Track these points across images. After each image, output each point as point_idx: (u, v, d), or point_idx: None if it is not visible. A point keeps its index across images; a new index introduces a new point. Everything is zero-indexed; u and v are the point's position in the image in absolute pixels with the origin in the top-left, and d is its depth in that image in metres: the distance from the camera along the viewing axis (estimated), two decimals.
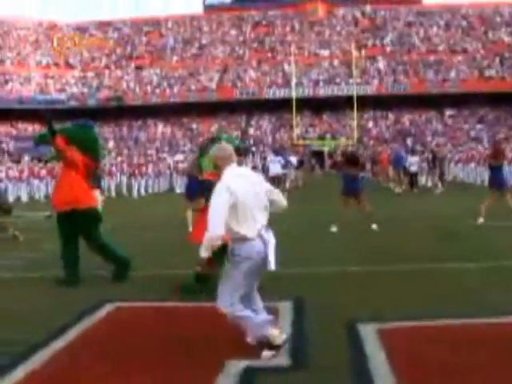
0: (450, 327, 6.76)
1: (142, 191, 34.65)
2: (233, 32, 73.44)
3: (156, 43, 74.13)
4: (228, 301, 5.67)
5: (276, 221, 6.07)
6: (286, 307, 7.73)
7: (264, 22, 73.83)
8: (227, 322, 7.05)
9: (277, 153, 33.22)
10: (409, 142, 56.19)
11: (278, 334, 5.76)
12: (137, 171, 35.80)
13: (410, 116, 63.80)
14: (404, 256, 11.28)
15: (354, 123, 58.30)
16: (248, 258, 5.60)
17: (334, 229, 14.98)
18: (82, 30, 77.29)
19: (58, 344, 6.53)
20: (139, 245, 13.66)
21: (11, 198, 32.38)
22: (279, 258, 10.52)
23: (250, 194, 5.65)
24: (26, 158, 44.98)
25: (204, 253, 5.56)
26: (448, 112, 63.32)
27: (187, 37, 74.07)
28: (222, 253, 5.80)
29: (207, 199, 13.78)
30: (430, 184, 30.14)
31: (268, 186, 5.96)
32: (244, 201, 5.57)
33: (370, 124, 63.46)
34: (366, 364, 5.56)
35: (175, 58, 71.52)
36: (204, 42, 72.71)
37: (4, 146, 60.55)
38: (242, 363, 5.66)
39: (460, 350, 5.87)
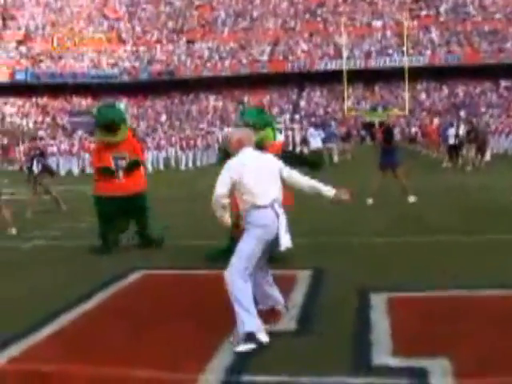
0: (460, 298, 6.79)
1: (190, 164, 35.01)
2: (284, 4, 73.04)
3: (207, 16, 74.20)
4: (237, 268, 5.65)
5: (310, 196, 6.15)
6: (304, 275, 7.90)
7: None
8: None
9: (317, 126, 32.80)
10: (462, 113, 55.32)
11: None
12: (185, 144, 36.17)
13: (464, 87, 62.72)
14: (433, 228, 11.23)
15: (406, 95, 57.67)
16: (260, 225, 5.72)
17: (369, 201, 15.00)
18: (133, 4, 77.77)
19: (86, 306, 6.94)
20: (176, 215, 13.96)
21: (62, 172, 33.14)
22: (307, 229, 10.74)
23: (261, 169, 5.87)
24: (80, 133, 45.73)
25: (218, 213, 5.93)
26: (503, 83, 62.03)
27: (238, 9, 73.96)
28: None
29: None
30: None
31: (281, 164, 6.12)
32: (254, 174, 5.78)
33: (423, 96, 62.65)
34: (367, 332, 5.69)
35: (226, 31, 71.54)
36: (255, 14, 72.52)
37: (59, 120, 61.65)
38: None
39: (464, 320, 5.94)
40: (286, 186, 6.06)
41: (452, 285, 7.17)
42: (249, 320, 5.49)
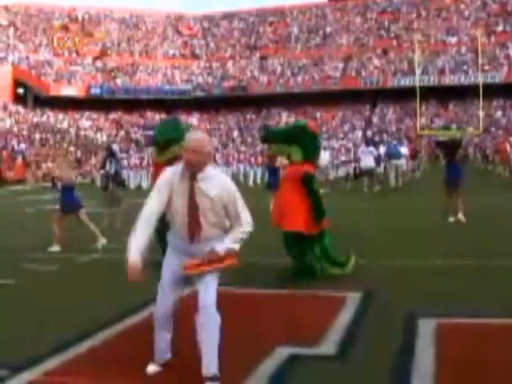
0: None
1: (258, 180, 34.93)
2: (357, 20, 72.73)
3: (280, 32, 74.45)
4: (214, 296, 5.11)
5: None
6: (353, 297, 7.72)
7: (389, 9, 72.67)
8: (287, 309, 7.15)
9: (368, 143, 30.37)
10: None
11: None
12: (254, 160, 36.22)
13: None
14: (488, 252, 10.83)
15: (481, 112, 56.55)
16: None
17: (461, 217, 14.73)
18: (208, 20, 78.70)
19: (127, 323, 7.01)
20: None
21: (132, 186, 33.55)
22: (363, 250, 10.53)
23: None
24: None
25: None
26: None
27: (311, 26, 74.01)
28: None
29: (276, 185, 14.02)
30: None
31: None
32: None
33: (499, 113, 61.30)
34: (410, 360, 5.48)
35: (299, 47, 71.64)
36: (328, 30, 72.42)
37: (132, 134, 62.62)
38: (289, 349, 5.77)
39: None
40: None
41: (505, 312, 6.88)
42: None
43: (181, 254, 5.19)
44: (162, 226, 9.82)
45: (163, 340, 5.42)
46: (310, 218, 8.80)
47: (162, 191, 5.03)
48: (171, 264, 5.27)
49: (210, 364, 4.95)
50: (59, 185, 13.64)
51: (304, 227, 8.76)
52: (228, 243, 5.05)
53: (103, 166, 16.70)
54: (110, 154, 16.81)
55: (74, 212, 13.00)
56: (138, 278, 4.90)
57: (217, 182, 5.02)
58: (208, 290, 5.03)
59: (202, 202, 4.96)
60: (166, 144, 10.06)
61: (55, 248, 12.62)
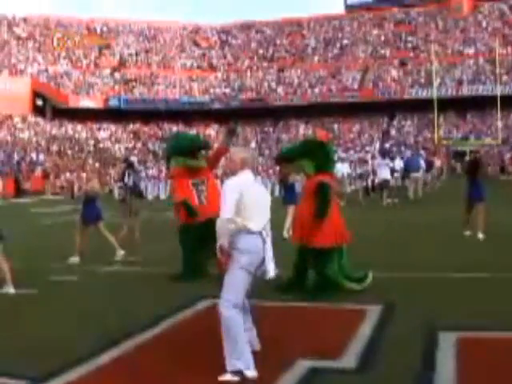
0: None
1: (276, 192, 34.72)
2: (374, 31, 72.68)
3: (298, 44, 74.56)
4: (231, 301, 5.48)
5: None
6: (374, 310, 7.70)
7: (406, 21, 72.55)
8: (307, 322, 7.14)
9: (384, 155, 30.34)
10: None
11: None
12: (271, 172, 36.26)
13: None
14: (509, 265, 10.74)
15: (499, 123, 56.27)
16: (246, 251, 5.54)
17: (480, 236, 14.52)
18: (225, 32, 78.98)
19: (147, 335, 6.99)
20: None
21: (150, 197, 33.69)
22: (383, 263, 10.51)
23: (260, 194, 5.80)
24: None
25: (221, 239, 5.57)
26: None
27: (328, 37, 74.02)
28: None
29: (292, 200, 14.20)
30: None
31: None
32: (254, 197, 5.66)
33: None
34: (430, 375, 5.45)
35: (316, 59, 71.68)
36: (345, 42, 72.42)
37: (150, 146, 62.83)
38: (310, 362, 5.77)
39: None
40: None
41: None
42: (237, 356, 5.38)
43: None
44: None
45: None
46: (329, 231, 8.80)
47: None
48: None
49: (227, 360, 5.44)
50: (83, 196, 13.73)
51: (324, 241, 8.77)
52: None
53: (122, 179, 16.79)
54: (129, 166, 16.91)
55: (94, 223, 13.09)
56: None
57: None
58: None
59: None
60: (196, 150, 10.38)
61: (74, 259, 12.69)
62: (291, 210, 14.42)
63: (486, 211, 15.05)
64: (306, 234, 8.92)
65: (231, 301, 5.45)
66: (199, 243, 10.27)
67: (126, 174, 16.40)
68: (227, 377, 5.33)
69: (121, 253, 12.99)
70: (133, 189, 16.27)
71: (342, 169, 27.13)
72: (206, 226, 9.92)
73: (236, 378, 5.31)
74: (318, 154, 9.23)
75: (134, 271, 11.47)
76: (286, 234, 14.28)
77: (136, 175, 17.04)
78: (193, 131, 65.36)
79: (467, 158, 53.79)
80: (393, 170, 27.19)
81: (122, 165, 26.76)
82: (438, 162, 48.21)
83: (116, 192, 18.60)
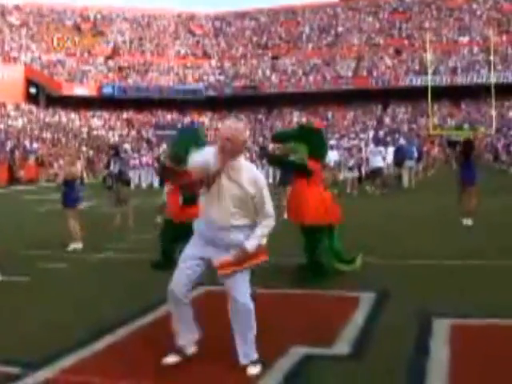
0: None
1: (270, 180, 34.76)
2: (369, 19, 72.59)
3: (292, 32, 74.40)
4: (246, 292, 5.35)
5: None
6: (368, 297, 7.71)
7: (401, 9, 72.47)
8: (301, 309, 7.15)
9: (378, 143, 30.21)
10: None
11: None
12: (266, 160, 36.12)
13: None
14: (503, 252, 10.72)
15: (493, 112, 56.29)
16: None
17: (467, 222, 14.54)
18: (219, 19, 78.78)
19: (140, 322, 6.98)
20: None
21: (144, 185, 33.64)
22: (378, 250, 10.51)
23: None
24: (164, 146, 46.33)
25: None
26: None
27: (323, 25, 73.91)
28: None
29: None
30: None
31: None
32: None
33: (511, 113, 61.00)
34: (424, 360, 5.46)
35: (311, 47, 71.55)
36: (340, 30, 72.31)
37: (143, 133, 62.72)
38: (304, 349, 5.78)
39: None
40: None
41: None
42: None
43: (207, 242, 5.27)
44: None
45: (185, 320, 5.45)
46: (316, 210, 8.88)
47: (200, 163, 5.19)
48: (196, 248, 5.35)
49: (249, 352, 5.32)
50: (61, 180, 13.53)
51: (310, 219, 8.85)
52: (256, 239, 5.20)
53: (107, 166, 16.76)
54: (115, 153, 16.87)
55: (71, 207, 13.00)
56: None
57: (247, 172, 5.17)
58: (240, 291, 5.23)
59: (231, 188, 5.10)
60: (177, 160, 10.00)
61: (75, 245, 12.66)
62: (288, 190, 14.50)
63: (478, 198, 15.08)
64: (295, 213, 9.17)
65: (246, 292, 5.34)
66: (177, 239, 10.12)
67: (112, 162, 16.37)
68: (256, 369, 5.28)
69: (74, 246, 12.72)
70: (119, 176, 16.23)
71: (332, 157, 26.93)
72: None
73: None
74: (312, 139, 9.28)
75: (126, 258, 11.44)
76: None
77: (122, 162, 16.99)
78: (187, 119, 65.40)
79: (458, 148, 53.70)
80: (384, 158, 26.96)
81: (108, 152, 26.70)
82: (435, 150, 48.27)
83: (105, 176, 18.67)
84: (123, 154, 30.36)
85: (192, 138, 10.28)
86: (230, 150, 5.06)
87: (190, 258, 5.34)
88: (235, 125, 5.24)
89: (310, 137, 9.35)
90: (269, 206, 5.24)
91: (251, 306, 5.28)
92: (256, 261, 5.29)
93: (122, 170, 16.57)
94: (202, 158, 5.20)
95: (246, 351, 5.32)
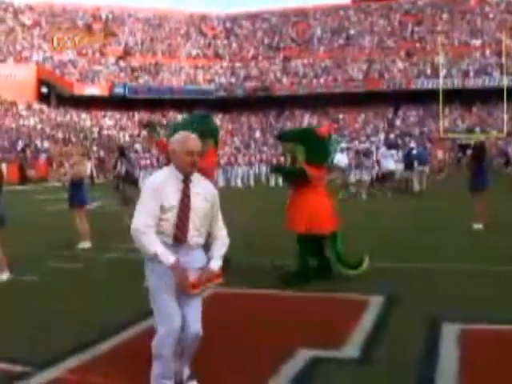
0: None
1: (280, 181, 34.80)
2: (381, 22, 72.44)
3: (303, 33, 74.33)
4: (200, 318, 4.95)
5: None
6: (377, 301, 7.70)
7: (413, 12, 72.28)
8: (310, 312, 7.13)
9: (390, 146, 30.41)
10: None
11: None
12: (276, 161, 36.14)
13: None
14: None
15: (505, 116, 56.06)
16: None
17: (478, 226, 14.45)
18: (231, 21, 78.80)
19: (147, 323, 6.75)
20: (251, 233, 13.89)
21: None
22: (388, 253, 10.47)
23: None
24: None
25: None
26: None
27: (334, 27, 73.78)
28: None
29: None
30: None
31: None
32: None
33: None
34: (433, 364, 5.44)
35: (322, 49, 71.46)
36: (351, 32, 72.17)
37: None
38: (312, 352, 5.78)
39: None
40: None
41: None
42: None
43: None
44: None
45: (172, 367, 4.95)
46: (312, 218, 8.88)
47: (156, 201, 4.72)
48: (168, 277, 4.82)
49: (187, 370, 5.00)
50: (68, 180, 13.62)
51: (304, 227, 8.88)
52: (218, 259, 4.87)
53: (114, 167, 16.76)
54: (121, 154, 16.87)
55: (78, 207, 13.08)
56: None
57: (204, 183, 4.92)
58: (198, 315, 4.86)
59: (195, 202, 4.76)
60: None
61: (84, 244, 12.71)
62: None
63: (488, 202, 14.99)
64: (289, 220, 9.26)
65: None
66: None
67: (119, 163, 16.38)
68: None
69: (82, 245, 12.84)
70: (125, 177, 16.24)
71: (342, 159, 26.73)
72: None
73: None
74: (312, 143, 9.24)
75: (136, 259, 11.41)
76: None
77: (129, 163, 16.99)
78: None
79: (469, 151, 53.53)
80: (396, 161, 26.86)
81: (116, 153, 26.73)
82: (439, 153, 48.09)
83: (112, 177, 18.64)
84: (134, 155, 30.45)
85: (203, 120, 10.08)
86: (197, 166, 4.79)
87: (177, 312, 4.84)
88: (197, 140, 4.84)
89: (311, 141, 9.33)
90: (221, 221, 5.02)
91: (201, 332, 4.84)
92: (217, 280, 4.87)
93: (128, 171, 16.57)
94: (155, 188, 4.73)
95: (184, 370, 5.01)
